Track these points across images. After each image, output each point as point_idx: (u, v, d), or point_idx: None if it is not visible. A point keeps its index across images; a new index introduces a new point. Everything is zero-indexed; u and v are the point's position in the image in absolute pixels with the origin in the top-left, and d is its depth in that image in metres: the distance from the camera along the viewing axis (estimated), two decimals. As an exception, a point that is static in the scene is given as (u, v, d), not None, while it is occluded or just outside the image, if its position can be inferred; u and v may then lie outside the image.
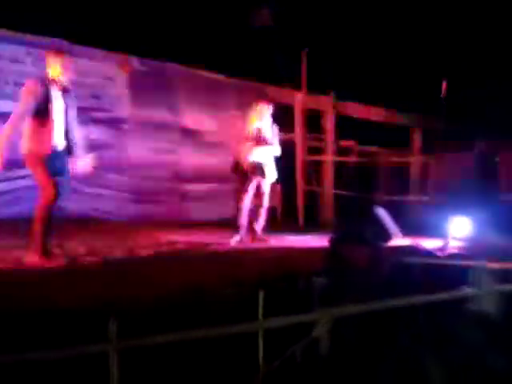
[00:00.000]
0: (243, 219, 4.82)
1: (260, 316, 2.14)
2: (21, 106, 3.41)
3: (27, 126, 3.43)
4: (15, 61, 5.72)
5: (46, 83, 3.43)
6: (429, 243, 4.57)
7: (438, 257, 3.75)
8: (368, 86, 8.58)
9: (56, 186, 3.42)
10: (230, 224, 6.24)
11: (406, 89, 8.60)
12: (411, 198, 7.82)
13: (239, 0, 7.98)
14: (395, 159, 9.14)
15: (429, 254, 3.67)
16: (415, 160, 8.12)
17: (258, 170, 4.87)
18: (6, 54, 5.67)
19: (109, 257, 3.89)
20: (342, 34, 8.54)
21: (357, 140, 9.47)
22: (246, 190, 4.82)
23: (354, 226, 4.35)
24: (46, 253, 3.39)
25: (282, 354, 2.33)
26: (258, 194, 4.91)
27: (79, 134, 3.65)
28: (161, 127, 6.79)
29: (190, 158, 6.94)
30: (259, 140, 4.89)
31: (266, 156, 4.93)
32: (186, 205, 6.96)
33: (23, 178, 5.85)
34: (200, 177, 6.87)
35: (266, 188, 4.95)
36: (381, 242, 4.38)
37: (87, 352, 1.70)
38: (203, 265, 3.70)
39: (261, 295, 2.17)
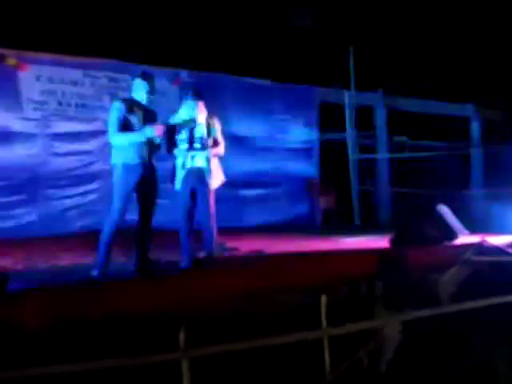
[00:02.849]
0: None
1: (323, 322, 2.11)
2: (111, 124, 3.65)
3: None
4: (75, 84, 6.07)
5: (127, 103, 3.73)
6: (497, 239, 4.31)
7: (509, 254, 3.55)
8: (419, 79, 8.28)
9: (122, 210, 3.61)
10: (281, 228, 6.25)
11: (461, 80, 8.22)
12: (474, 192, 7.44)
13: (279, 3, 8.00)
14: (453, 152, 8.75)
15: (499, 251, 3.47)
16: (475, 152, 7.71)
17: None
18: (67, 78, 6.04)
19: (168, 265, 4.01)
20: (389, 27, 8.31)
21: (410, 135, 9.16)
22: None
23: (416, 226, 4.20)
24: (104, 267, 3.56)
25: (346, 357, 2.29)
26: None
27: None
28: (212, 136, 6.92)
29: (242, 164, 7.02)
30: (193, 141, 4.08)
31: (206, 160, 4.10)
32: (240, 210, 7.03)
33: (91, 192, 6.23)
34: (252, 182, 6.91)
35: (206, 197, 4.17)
36: (446, 241, 4.20)
37: (159, 360, 1.76)
38: (260, 271, 3.71)
39: (323, 300, 2.13)
